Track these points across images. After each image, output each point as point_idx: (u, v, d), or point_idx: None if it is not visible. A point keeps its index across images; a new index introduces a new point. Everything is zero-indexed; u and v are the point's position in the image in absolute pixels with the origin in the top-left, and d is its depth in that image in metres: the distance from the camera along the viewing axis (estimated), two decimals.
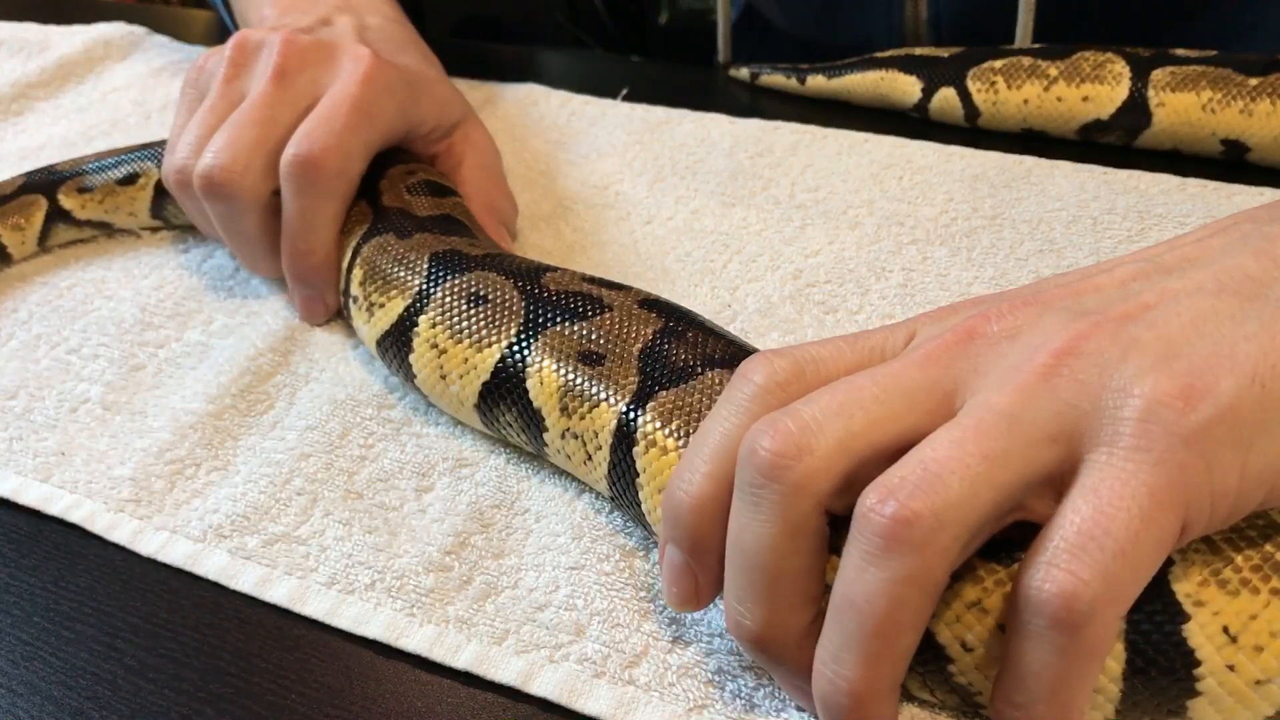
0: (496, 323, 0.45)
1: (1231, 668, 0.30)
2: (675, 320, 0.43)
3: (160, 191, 0.61)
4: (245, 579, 0.42)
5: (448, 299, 0.47)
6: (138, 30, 0.88)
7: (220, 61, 0.57)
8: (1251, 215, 0.35)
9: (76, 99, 0.80)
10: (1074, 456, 0.30)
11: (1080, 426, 0.30)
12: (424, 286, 0.48)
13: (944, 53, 0.70)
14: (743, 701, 0.36)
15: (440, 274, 0.48)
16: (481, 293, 0.47)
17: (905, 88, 0.70)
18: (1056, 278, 0.35)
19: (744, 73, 0.79)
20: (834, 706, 0.31)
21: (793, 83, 0.76)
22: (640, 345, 0.42)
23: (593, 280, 0.47)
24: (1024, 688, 0.29)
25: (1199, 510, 0.29)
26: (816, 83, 0.75)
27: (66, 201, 0.61)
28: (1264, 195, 0.60)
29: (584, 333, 0.43)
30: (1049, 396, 0.30)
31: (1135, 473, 0.28)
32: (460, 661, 0.38)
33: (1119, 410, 0.29)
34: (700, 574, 0.35)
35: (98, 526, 0.45)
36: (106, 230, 0.63)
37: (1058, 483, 0.30)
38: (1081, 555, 0.28)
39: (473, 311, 0.46)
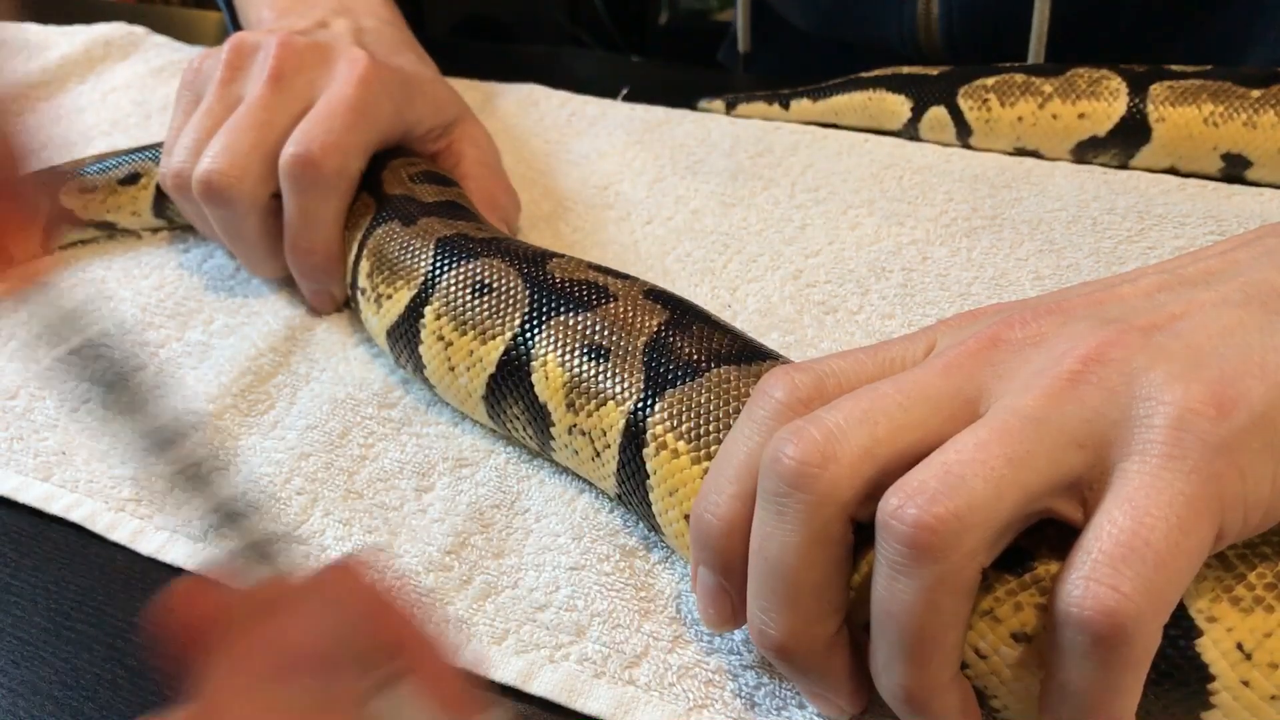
0: (501, 313, 0.45)
1: (1246, 683, 0.31)
2: (680, 313, 0.43)
3: (162, 191, 0.61)
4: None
5: (452, 288, 0.47)
6: (138, 30, 0.88)
7: (216, 64, 0.57)
8: (1276, 229, 0.35)
9: (77, 99, 0.80)
10: (1102, 463, 0.30)
11: (1109, 434, 0.29)
12: (429, 275, 0.48)
13: (933, 70, 0.69)
14: (743, 701, 0.36)
15: (445, 261, 0.48)
16: (486, 281, 0.46)
17: (894, 107, 0.69)
18: (1078, 287, 0.35)
19: (718, 104, 0.74)
20: (898, 706, 0.31)
21: (775, 108, 0.72)
22: (645, 338, 0.42)
23: (598, 268, 0.46)
24: (1071, 703, 0.29)
25: (1233, 519, 0.29)
26: (801, 107, 0.72)
27: (68, 201, 0.61)
28: (1263, 196, 0.60)
29: (589, 324, 0.43)
30: (1076, 402, 0.30)
31: (1172, 482, 0.28)
32: (459, 661, 0.38)
33: (1150, 418, 0.29)
34: (735, 595, 0.35)
35: (98, 526, 0.45)
36: (109, 230, 0.63)
37: (1084, 488, 0.30)
38: (1122, 568, 0.27)
39: (477, 301, 0.46)
